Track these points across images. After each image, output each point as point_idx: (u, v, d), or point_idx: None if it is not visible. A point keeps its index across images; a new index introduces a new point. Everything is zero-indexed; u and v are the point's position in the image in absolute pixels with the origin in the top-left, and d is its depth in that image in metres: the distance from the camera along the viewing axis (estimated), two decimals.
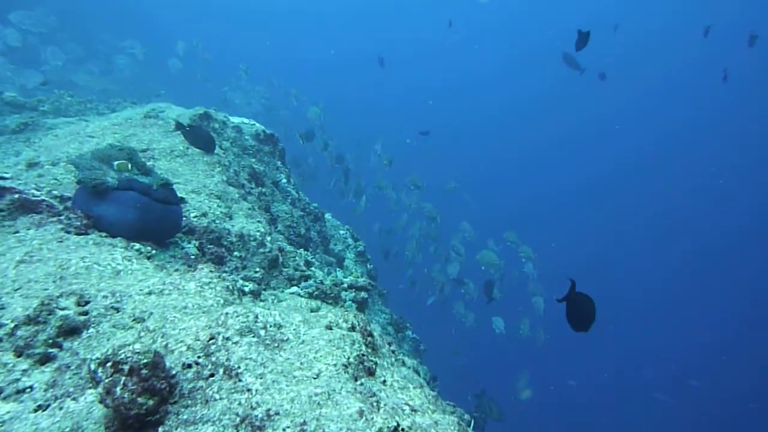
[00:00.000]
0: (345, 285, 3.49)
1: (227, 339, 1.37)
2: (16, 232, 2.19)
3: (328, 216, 6.64)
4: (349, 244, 6.31)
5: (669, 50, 31.13)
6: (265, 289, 3.12)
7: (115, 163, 2.71)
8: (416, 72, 33.00)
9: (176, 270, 2.07)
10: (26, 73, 6.45)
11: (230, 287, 1.77)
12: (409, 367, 2.04)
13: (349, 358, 1.42)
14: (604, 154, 32.60)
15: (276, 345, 1.42)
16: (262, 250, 3.28)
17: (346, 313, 1.72)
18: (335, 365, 1.38)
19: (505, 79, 35.46)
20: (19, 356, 1.42)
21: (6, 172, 3.24)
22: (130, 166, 2.74)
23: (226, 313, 1.44)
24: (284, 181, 5.47)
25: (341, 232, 6.45)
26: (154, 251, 2.23)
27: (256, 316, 1.46)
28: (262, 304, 2.11)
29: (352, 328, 1.62)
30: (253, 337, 1.41)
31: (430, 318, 12.18)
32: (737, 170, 29.20)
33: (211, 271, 1.80)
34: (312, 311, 2.21)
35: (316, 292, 3.17)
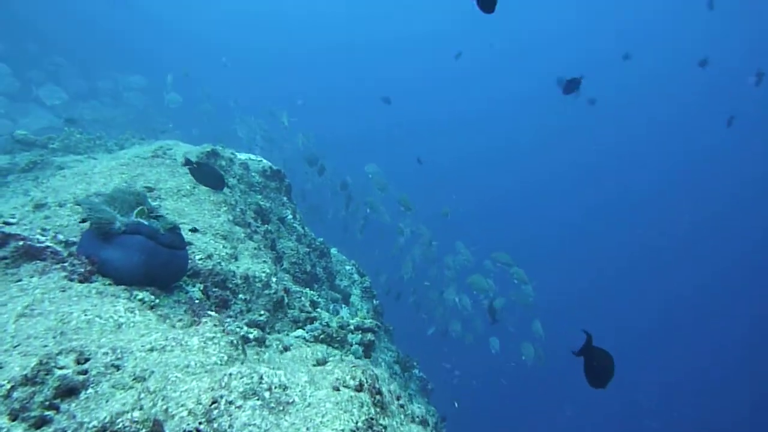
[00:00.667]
0: (351, 327, 3.42)
1: (230, 403, 1.31)
2: (19, 280, 2.16)
3: (333, 251, 6.60)
4: (355, 280, 6.24)
5: (672, 85, 31.61)
6: (270, 333, 3.06)
7: (135, 211, 2.71)
8: (419, 103, 33.53)
9: (180, 320, 2.02)
10: (34, 113, 6.57)
11: (234, 342, 1.72)
12: (419, 422, 1.96)
13: (357, 422, 1.36)
14: (605, 186, 32.82)
15: (281, 408, 1.36)
16: (267, 291, 3.23)
17: (353, 369, 1.66)
18: (343, 431, 1.31)
19: (509, 113, 35.98)
20: (14, 420, 1.37)
21: (13, 215, 3.24)
22: (142, 210, 2.74)
23: (230, 374, 1.39)
24: (290, 216, 5.45)
25: (347, 267, 6.40)
26: (157, 300, 2.19)
27: (261, 377, 1.41)
28: (267, 357, 2.06)
29: (360, 387, 1.56)
30: (258, 400, 1.35)
31: (432, 347, 12.11)
32: (738, 204, 29.31)
33: (215, 325, 1.75)
34: (318, 363, 2.14)
35: (322, 336, 3.11)
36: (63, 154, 5.89)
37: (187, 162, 3.87)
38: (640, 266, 27.43)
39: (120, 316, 1.82)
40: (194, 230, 3.52)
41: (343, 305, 5.61)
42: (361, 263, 6.85)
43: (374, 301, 6.17)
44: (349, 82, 33.38)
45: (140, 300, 2.07)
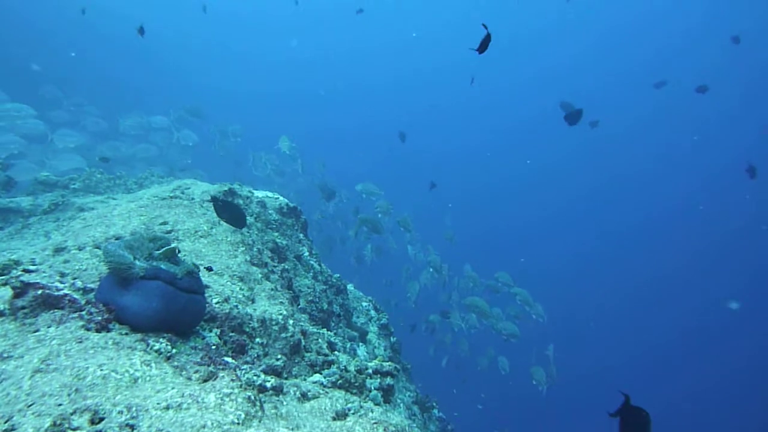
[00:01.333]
0: (370, 371, 3.33)
1: None
2: (37, 330, 2.14)
3: (350, 287, 6.54)
4: (372, 317, 6.16)
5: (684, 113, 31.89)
6: (287, 378, 2.98)
7: (157, 252, 2.71)
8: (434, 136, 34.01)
9: (196, 372, 1.97)
10: (63, 154, 6.74)
11: (252, 398, 1.67)
12: None
13: None
14: (618, 211, 32.84)
15: None
16: (284, 334, 3.17)
17: (375, 426, 1.59)
18: None
19: (515, 143, 36.41)
20: None
21: (33, 260, 3.26)
22: (170, 250, 2.73)
23: None
24: (306, 254, 5.43)
25: (364, 303, 6.32)
26: (174, 349, 2.15)
27: None
28: (285, 411, 1.99)
29: None
30: None
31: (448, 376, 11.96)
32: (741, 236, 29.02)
33: (232, 380, 1.70)
34: (337, 416, 2.07)
35: (340, 381, 3.02)
36: (84, 194, 5.99)
37: (214, 200, 3.97)
38: (650, 290, 27.26)
39: (136, 370, 1.78)
40: (209, 269, 3.51)
41: (360, 343, 5.51)
42: (372, 290, 6.82)
43: (391, 339, 6.06)
44: (360, 120, 34.10)
45: (156, 351, 2.03)
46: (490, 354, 10.29)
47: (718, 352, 24.46)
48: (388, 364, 3.46)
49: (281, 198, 5.77)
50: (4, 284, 2.49)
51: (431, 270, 9.70)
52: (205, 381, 1.85)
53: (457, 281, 9.72)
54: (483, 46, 4.36)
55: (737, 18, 27.21)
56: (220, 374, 1.76)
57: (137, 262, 2.50)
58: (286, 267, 4.47)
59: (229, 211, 3.98)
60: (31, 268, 2.64)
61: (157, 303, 2.42)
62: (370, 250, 10.02)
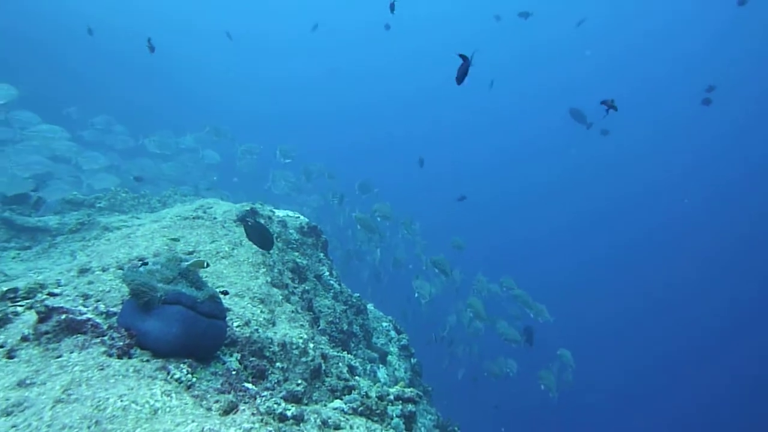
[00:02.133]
0: (391, 397, 3.25)
1: None
2: (59, 356, 2.14)
3: (370, 307, 6.48)
4: (392, 337, 6.07)
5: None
6: (307, 404, 2.93)
7: (186, 264, 2.71)
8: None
9: (216, 401, 1.94)
10: (98, 176, 6.91)
11: None
12: None
13: None
14: (633, 219, 32.79)
15: None
16: (304, 359, 3.13)
17: None
18: None
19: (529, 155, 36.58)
20: None
21: (59, 280, 3.29)
22: (198, 262, 2.74)
23: None
24: (327, 274, 5.40)
25: (384, 324, 6.25)
26: (194, 377, 2.12)
27: None
28: None
29: None
30: None
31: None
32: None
33: (252, 414, 1.66)
34: None
35: (360, 408, 2.96)
36: (109, 213, 6.09)
37: (244, 220, 4.02)
38: (660, 298, 27.21)
39: (156, 401, 1.76)
40: (225, 293, 3.51)
41: (381, 365, 5.43)
42: (388, 303, 6.78)
43: (412, 360, 5.96)
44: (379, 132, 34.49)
45: (177, 380, 2.01)
46: (500, 361, 10.17)
47: (729, 359, 24.45)
48: (410, 390, 3.38)
49: (302, 217, 5.77)
50: (30, 308, 2.50)
51: (442, 278, 9.60)
52: (226, 413, 1.81)
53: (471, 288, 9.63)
54: (461, 76, 4.22)
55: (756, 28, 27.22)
56: (241, 407, 1.72)
57: (159, 285, 2.50)
58: (307, 288, 4.44)
59: (259, 233, 3.98)
60: (56, 291, 2.66)
61: (178, 328, 2.40)
62: (379, 254, 9.97)
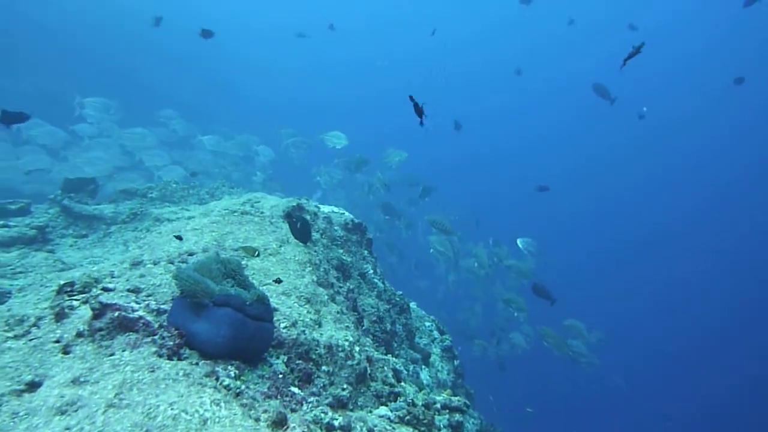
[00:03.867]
0: (438, 406, 3.15)
1: None
2: (112, 354, 2.15)
3: (413, 305, 6.38)
4: (435, 338, 5.96)
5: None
6: (353, 409, 2.87)
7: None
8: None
9: (264, 411, 1.89)
10: (168, 168, 7.14)
11: None
12: None
13: None
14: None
15: None
16: (350, 362, 3.07)
17: None
18: None
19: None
20: None
21: (112, 272, 3.35)
22: (227, 273, 2.71)
23: None
24: (371, 271, 5.34)
25: (426, 323, 6.14)
26: (242, 384, 2.09)
27: None
28: None
29: None
30: None
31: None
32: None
33: (300, 427, 1.59)
34: None
35: (407, 417, 2.87)
36: (160, 203, 6.22)
37: (289, 217, 4.26)
38: (663, 296, 27.01)
39: (206, 410, 1.72)
40: (278, 281, 3.50)
41: (423, 366, 5.34)
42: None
43: (455, 362, 5.84)
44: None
45: (226, 387, 1.97)
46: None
47: (730, 358, 24.16)
48: (457, 399, 3.27)
49: (346, 213, 5.72)
50: (85, 302, 2.54)
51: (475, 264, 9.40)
52: (274, 425, 1.76)
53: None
54: (419, 115, 4.03)
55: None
56: (289, 417, 1.66)
57: (208, 285, 2.48)
58: (351, 287, 4.39)
59: (302, 228, 4.08)
60: (110, 285, 2.69)
61: (226, 330, 2.38)
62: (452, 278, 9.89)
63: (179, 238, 3.59)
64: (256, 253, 3.66)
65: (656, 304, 27.02)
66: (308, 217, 4.95)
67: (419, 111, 3.89)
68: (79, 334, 2.25)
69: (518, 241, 8.94)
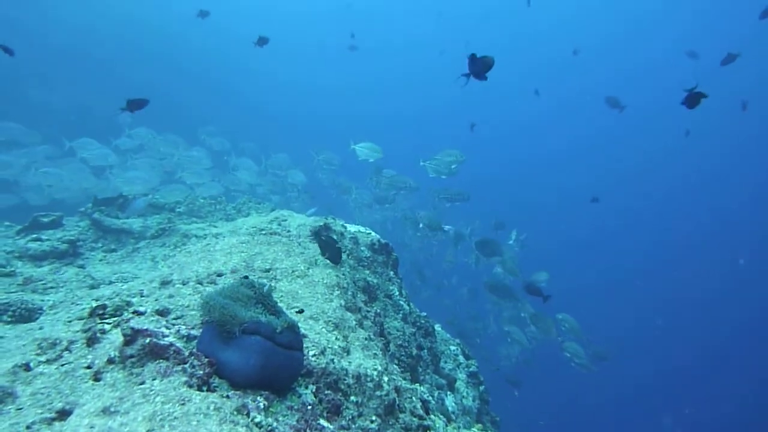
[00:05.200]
0: None
1: None
2: (143, 383, 2.11)
3: (438, 327, 6.27)
4: (460, 363, 5.83)
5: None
6: None
7: (264, 289, 2.65)
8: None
9: None
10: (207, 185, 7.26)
11: None
12: None
13: None
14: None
15: None
16: (378, 392, 2.99)
17: None
18: None
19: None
20: None
21: (142, 290, 3.34)
22: (256, 298, 2.67)
23: None
24: (397, 293, 5.26)
25: (452, 347, 6.02)
26: (273, 422, 2.02)
27: None
28: None
29: None
30: None
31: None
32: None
33: None
34: None
35: None
36: (187, 218, 6.27)
37: (319, 236, 4.30)
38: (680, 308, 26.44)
39: None
40: (301, 311, 3.45)
41: (449, 392, 5.21)
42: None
43: (480, 388, 5.69)
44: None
45: (257, 425, 1.91)
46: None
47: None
48: None
49: (373, 233, 5.66)
50: (116, 326, 2.52)
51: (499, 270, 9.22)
52: None
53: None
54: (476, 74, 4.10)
55: None
56: None
57: (238, 313, 2.44)
58: (377, 310, 4.31)
59: (331, 248, 4.06)
60: (141, 309, 2.67)
61: (256, 360, 2.32)
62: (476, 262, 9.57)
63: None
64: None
65: (680, 316, 26.56)
66: (334, 237, 4.91)
67: (478, 68, 3.96)
68: (110, 361, 2.23)
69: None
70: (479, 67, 4.02)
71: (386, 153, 8.48)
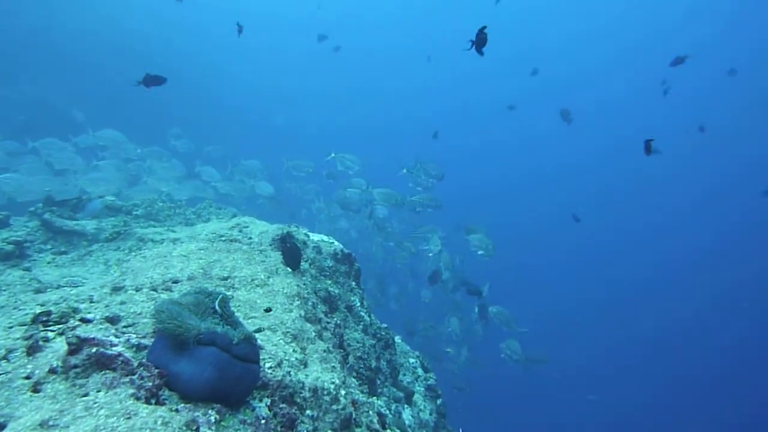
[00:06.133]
0: None
1: None
2: (86, 394, 2.01)
3: (397, 339, 6.26)
4: (419, 375, 5.83)
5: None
6: None
7: (217, 301, 2.56)
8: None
9: None
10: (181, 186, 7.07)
11: None
12: None
13: None
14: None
15: None
16: (335, 406, 2.95)
17: None
18: None
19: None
20: None
21: (92, 296, 3.20)
22: (223, 298, 2.60)
23: None
24: (358, 304, 5.23)
25: (411, 360, 6.02)
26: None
27: None
28: None
29: None
30: None
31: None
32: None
33: None
34: None
35: None
36: (145, 222, 6.08)
37: (283, 242, 4.32)
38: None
39: None
40: (268, 310, 3.40)
41: (406, 405, 5.19)
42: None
43: (437, 401, 5.70)
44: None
45: None
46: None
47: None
48: None
49: (336, 243, 5.62)
50: (61, 333, 2.40)
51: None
52: None
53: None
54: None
55: None
56: None
57: (193, 324, 2.36)
58: (338, 321, 4.27)
59: (291, 254, 4.08)
60: (88, 316, 2.56)
61: (210, 372, 2.25)
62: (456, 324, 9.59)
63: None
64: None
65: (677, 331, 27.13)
66: (298, 245, 4.85)
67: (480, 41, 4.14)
68: (52, 371, 2.11)
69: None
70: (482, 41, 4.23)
71: (366, 162, 8.48)
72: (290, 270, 4.04)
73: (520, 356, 8.09)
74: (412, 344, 7.45)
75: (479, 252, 8.23)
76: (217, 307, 2.46)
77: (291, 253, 4.19)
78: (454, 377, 10.75)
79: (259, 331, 3.08)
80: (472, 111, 37.88)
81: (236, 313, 2.82)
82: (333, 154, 8.30)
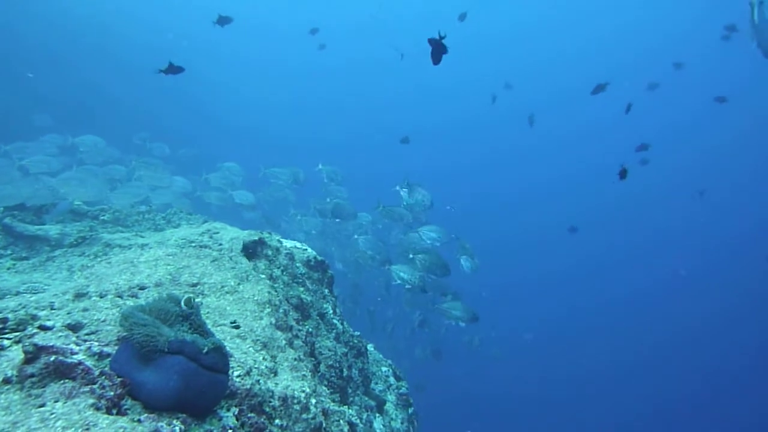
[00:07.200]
0: None
1: None
2: (42, 405, 1.93)
3: (370, 347, 6.23)
4: (390, 384, 5.81)
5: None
6: None
7: (182, 301, 2.48)
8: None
9: None
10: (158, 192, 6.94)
11: None
12: None
13: None
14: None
15: None
16: (305, 416, 2.90)
17: None
18: None
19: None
20: None
21: (53, 303, 3.09)
22: (189, 300, 2.53)
23: None
24: (330, 312, 5.19)
25: (383, 368, 5.99)
26: None
27: None
28: None
29: None
30: None
31: None
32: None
33: None
34: None
35: None
36: (112, 227, 5.92)
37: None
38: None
39: None
40: (236, 326, 3.33)
41: (378, 414, 5.16)
42: None
43: (409, 410, 5.69)
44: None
45: None
46: None
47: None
48: None
49: (309, 249, 5.58)
50: (18, 341, 2.30)
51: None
52: None
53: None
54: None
55: None
56: None
57: (161, 332, 2.29)
58: (310, 329, 4.22)
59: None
60: (48, 323, 2.46)
61: (176, 382, 2.19)
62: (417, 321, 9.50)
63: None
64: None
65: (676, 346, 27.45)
66: (269, 252, 4.79)
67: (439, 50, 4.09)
68: (6, 380, 2.02)
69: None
70: (438, 50, 4.20)
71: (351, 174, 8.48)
72: (263, 276, 3.98)
73: (459, 313, 7.79)
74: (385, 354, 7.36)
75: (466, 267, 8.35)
76: (183, 306, 2.38)
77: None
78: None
79: (236, 328, 3.01)
80: (471, 124, 38.02)
81: (206, 321, 2.75)
82: (321, 166, 8.29)
